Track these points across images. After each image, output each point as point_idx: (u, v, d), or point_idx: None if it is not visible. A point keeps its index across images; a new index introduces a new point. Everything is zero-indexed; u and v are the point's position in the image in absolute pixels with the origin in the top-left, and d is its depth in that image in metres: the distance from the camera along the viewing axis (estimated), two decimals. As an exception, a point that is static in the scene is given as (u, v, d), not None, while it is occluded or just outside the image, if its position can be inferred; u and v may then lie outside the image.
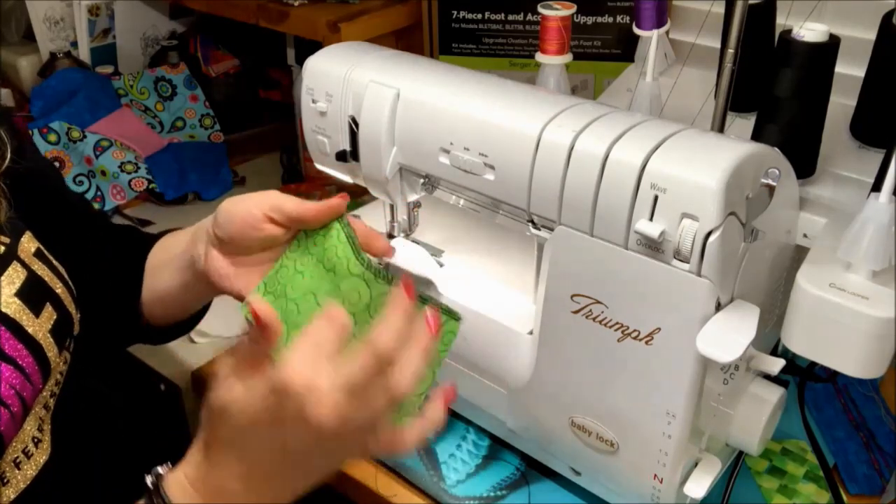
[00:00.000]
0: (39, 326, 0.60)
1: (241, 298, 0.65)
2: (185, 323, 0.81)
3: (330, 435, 0.48)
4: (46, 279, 0.63)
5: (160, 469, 0.54)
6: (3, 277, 0.58)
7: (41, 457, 0.61)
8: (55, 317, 0.62)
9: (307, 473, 0.53)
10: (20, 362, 0.57)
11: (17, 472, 0.59)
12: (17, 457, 0.59)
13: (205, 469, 0.53)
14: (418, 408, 0.59)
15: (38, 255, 0.64)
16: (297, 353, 0.49)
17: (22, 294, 0.59)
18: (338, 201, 0.61)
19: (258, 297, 0.60)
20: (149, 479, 0.54)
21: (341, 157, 0.77)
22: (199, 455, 0.54)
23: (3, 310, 0.57)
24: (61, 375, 0.64)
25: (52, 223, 0.71)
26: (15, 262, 0.60)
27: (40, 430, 0.62)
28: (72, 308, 0.65)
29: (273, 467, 0.51)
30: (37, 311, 0.60)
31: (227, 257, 0.66)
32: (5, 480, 0.58)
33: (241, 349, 0.52)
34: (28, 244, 0.64)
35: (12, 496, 0.58)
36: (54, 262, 0.66)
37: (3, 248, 0.60)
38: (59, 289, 0.64)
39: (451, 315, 0.60)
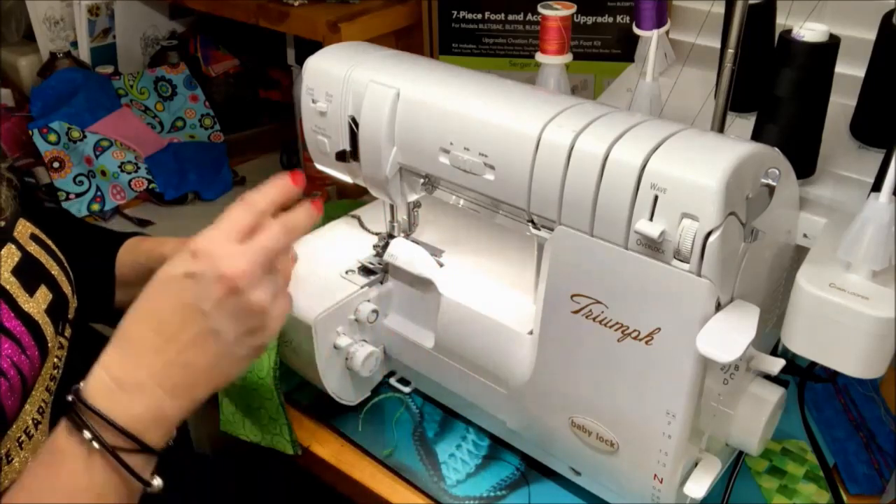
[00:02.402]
0: (35, 305, 0.61)
1: None
2: None
3: (241, 290, 0.54)
4: (42, 261, 0.65)
5: (80, 384, 0.55)
6: None
7: (42, 438, 0.62)
8: (50, 297, 0.63)
9: (220, 351, 0.56)
10: (17, 335, 0.58)
11: (21, 452, 0.60)
12: (20, 437, 0.60)
13: (118, 357, 0.55)
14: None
15: (34, 238, 0.66)
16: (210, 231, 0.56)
17: (17, 272, 0.61)
18: None
19: None
20: (69, 397, 0.54)
21: (341, 157, 0.77)
22: (109, 349, 0.55)
23: (2, 284, 0.59)
24: (59, 360, 0.65)
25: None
26: (10, 243, 0.62)
27: (41, 412, 0.63)
28: (67, 290, 0.66)
29: (190, 334, 0.55)
30: (31, 290, 0.62)
31: None
32: (10, 459, 0.59)
33: None
34: (23, 228, 0.65)
35: (16, 477, 0.59)
36: (52, 245, 0.67)
37: None
38: (54, 271, 0.65)
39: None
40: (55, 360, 0.65)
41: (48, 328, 0.62)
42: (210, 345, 0.55)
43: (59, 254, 0.68)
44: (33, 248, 0.65)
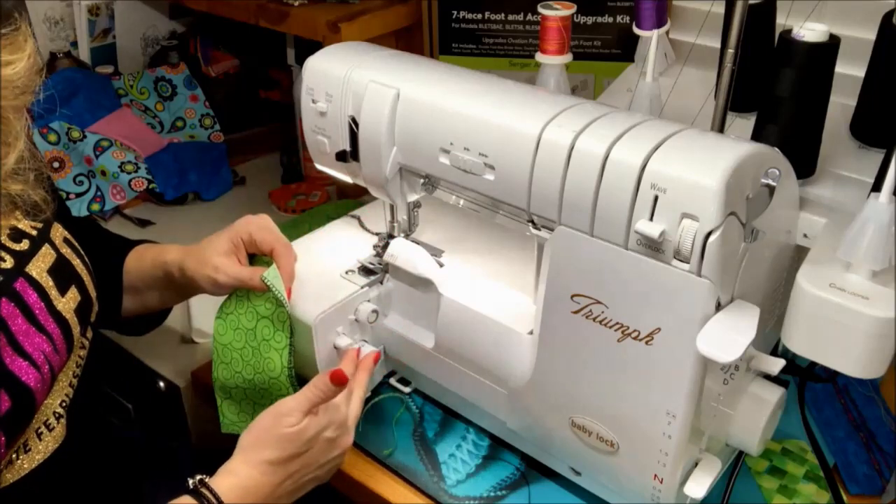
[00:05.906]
0: (65, 304, 0.65)
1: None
2: (154, 317, 0.88)
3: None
4: (73, 263, 0.68)
5: (200, 476, 0.64)
6: (36, 256, 0.65)
7: (60, 433, 0.65)
8: (79, 298, 0.67)
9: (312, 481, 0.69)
10: (50, 332, 0.63)
11: (38, 443, 0.64)
12: (40, 428, 0.63)
13: (247, 476, 0.64)
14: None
15: (66, 242, 0.69)
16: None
17: (52, 272, 0.65)
18: None
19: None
20: (191, 482, 0.62)
21: (341, 157, 0.77)
22: (246, 467, 0.65)
23: (39, 282, 0.63)
24: (81, 359, 0.68)
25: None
26: (47, 244, 0.66)
27: (63, 405, 0.66)
28: (92, 293, 0.70)
29: (303, 478, 0.67)
30: (63, 290, 0.66)
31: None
32: (27, 448, 0.63)
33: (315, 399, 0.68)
34: (58, 231, 0.69)
35: (34, 465, 0.63)
36: (80, 249, 0.71)
37: (36, 232, 0.66)
38: (83, 274, 0.69)
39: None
40: (78, 358, 0.68)
41: (76, 328, 0.66)
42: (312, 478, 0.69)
43: (86, 258, 0.71)
44: (66, 251, 0.68)
